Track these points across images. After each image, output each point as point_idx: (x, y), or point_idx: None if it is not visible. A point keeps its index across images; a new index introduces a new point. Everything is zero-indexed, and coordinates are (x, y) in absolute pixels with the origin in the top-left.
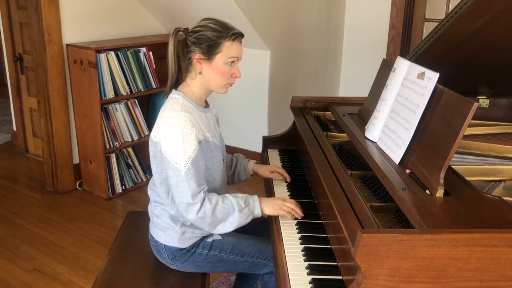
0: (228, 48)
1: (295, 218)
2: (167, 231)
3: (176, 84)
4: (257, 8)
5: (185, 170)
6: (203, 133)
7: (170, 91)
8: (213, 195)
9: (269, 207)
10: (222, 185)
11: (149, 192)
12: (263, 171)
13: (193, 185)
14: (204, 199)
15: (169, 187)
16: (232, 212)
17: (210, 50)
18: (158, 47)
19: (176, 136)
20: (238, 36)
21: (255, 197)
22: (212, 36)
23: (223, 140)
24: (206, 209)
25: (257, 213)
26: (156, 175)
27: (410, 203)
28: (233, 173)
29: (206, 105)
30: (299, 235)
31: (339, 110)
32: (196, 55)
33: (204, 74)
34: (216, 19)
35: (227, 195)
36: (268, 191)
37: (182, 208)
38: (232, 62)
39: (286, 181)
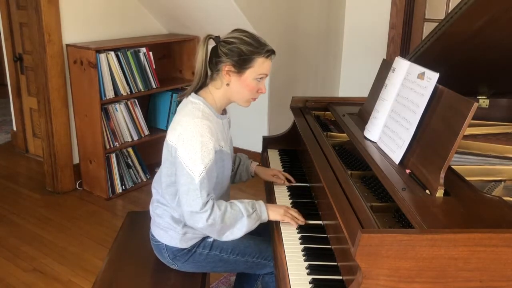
0: (260, 64)
1: (299, 226)
2: (168, 231)
3: (200, 89)
4: (257, 9)
5: (200, 179)
6: (219, 143)
7: (190, 94)
8: (221, 202)
9: (274, 213)
10: (227, 191)
11: (153, 190)
12: (265, 174)
13: (204, 194)
14: (213, 206)
15: (177, 192)
16: (241, 218)
17: (242, 65)
18: (158, 47)
19: (195, 143)
20: (271, 53)
21: (261, 202)
22: (246, 51)
23: (232, 144)
24: (216, 216)
25: (264, 218)
26: (164, 177)
27: (410, 203)
28: (235, 172)
29: (224, 111)
30: (299, 235)
31: (339, 110)
32: (227, 67)
33: (231, 86)
34: (250, 32)
35: (233, 201)
36: (268, 191)
37: (189, 216)
38: (260, 78)
39: (289, 181)
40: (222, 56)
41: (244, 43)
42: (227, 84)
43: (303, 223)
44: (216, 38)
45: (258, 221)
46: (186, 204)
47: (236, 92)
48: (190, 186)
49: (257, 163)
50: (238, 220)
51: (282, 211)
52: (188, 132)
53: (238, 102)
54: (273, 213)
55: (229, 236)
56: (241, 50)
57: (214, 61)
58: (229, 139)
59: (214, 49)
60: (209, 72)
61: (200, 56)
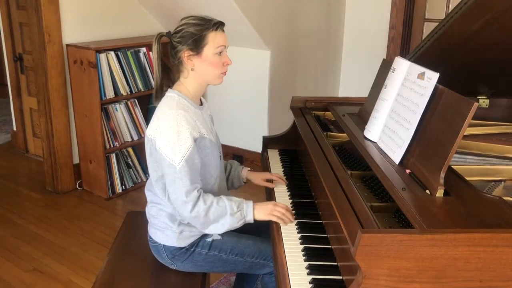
0: (213, 38)
1: (299, 226)
2: (165, 231)
3: (162, 87)
4: (257, 8)
5: (180, 167)
6: (199, 130)
7: (159, 95)
8: (208, 196)
9: (261, 213)
10: (221, 182)
11: (146, 192)
12: (257, 179)
13: (187, 182)
14: (198, 199)
15: (165, 185)
16: (224, 215)
17: (197, 45)
18: None
19: (171, 133)
20: (219, 25)
21: (250, 203)
22: (195, 31)
23: (218, 138)
24: (200, 209)
25: (249, 219)
26: (153, 173)
27: (410, 203)
28: (227, 179)
29: (201, 103)
30: (299, 235)
31: (339, 110)
32: (185, 53)
33: (197, 69)
34: (194, 15)
35: (222, 197)
36: (268, 191)
37: (177, 205)
38: (220, 52)
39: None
40: (177, 46)
41: (192, 25)
42: (192, 69)
43: (291, 221)
44: (168, 33)
45: (242, 220)
46: (172, 192)
47: (203, 73)
48: (175, 175)
49: (248, 169)
50: (222, 217)
51: (268, 210)
52: (164, 123)
53: (211, 81)
54: (259, 213)
55: (212, 230)
56: (191, 32)
57: (173, 53)
58: (214, 131)
59: (170, 43)
60: (173, 67)
61: (155, 55)
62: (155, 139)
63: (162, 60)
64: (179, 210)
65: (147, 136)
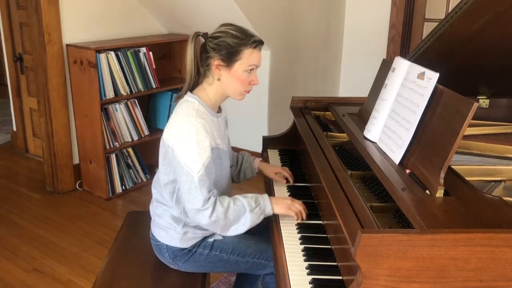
0: (248, 56)
1: (299, 226)
2: (169, 231)
3: (194, 87)
4: (257, 9)
5: (199, 176)
6: (215, 140)
7: (185, 94)
8: (224, 198)
9: (279, 206)
10: (227, 190)
11: (153, 190)
12: (268, 171)
13: (205, 191)
14: (215, 203)
15: (175, 190)
16: (244, 213)
17: (230, 57)
18: (158, 47)
19: (191, 142)
20: (259, 44)
21: (265, 196)
22: (233, 43)
23: (230, 143)
24: (219, 212)
25: (268, 211)
26: (163, 176)
27: (410, 203)
28: (239, 171)
29: (219, 109)
30: (299, 235)
31: (339, 110)
32: (215, 62)
33: (223, 80)
34: (236, 25)
35: (237, 196)
36: (268, 191)
37: (193, 214)
38: (251, 69)
39: (287, 181)
40: (210, 52)
41: (231, 36)
42: (218, 79)
43: (305, 219)
44: (204, 35)
45: (262, 215)
46: (188, 202)
47: (228, 86)
48: (191, 185)
49: (260, 159)
50: (242, 216)
51: (287, 205)
52: (184, 131)
53: (232, 96)
54: (278, 207)
55: (234, 231)
56: (228, 43)
57: (203, 57)
58: (226, 138)
59: (203, 45)
60: (200, 70)
61: (189, 55)
62: (174, 146)
63: (197, 60)
64: (196, 219)
65: (164, 139)
